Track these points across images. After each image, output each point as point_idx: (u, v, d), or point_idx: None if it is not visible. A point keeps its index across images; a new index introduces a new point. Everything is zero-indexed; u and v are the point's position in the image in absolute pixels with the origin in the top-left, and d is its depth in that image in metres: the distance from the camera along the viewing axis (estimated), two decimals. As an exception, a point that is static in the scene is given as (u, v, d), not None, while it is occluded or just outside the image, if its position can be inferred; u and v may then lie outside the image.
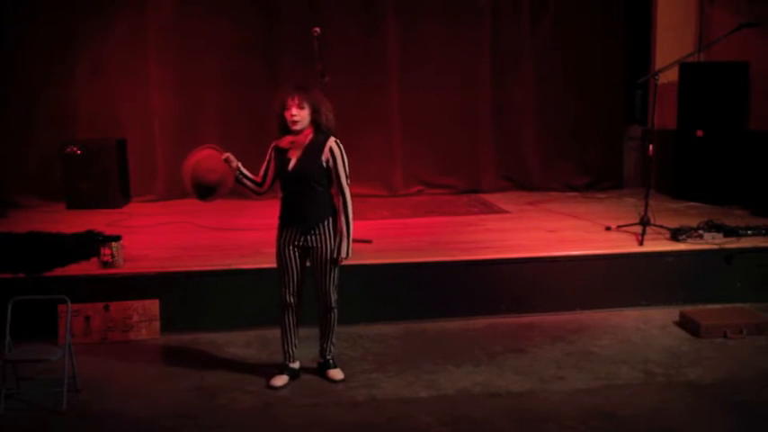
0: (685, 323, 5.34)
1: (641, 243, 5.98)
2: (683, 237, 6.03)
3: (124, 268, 5.45)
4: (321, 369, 4.58)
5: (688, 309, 5.50)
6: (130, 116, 8.42)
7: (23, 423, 4.05)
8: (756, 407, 4.15)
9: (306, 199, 4.28)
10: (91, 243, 5.59)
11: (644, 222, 6.25)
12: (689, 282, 5.82)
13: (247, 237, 6.43)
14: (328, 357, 4.58)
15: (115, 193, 8.04)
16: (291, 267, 4.37)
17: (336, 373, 4.53)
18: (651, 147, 6.62)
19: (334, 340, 4.58)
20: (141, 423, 4.01)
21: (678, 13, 8.68)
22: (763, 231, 6.18)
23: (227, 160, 4.31)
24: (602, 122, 9.13)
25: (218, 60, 8.46)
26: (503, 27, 8.88)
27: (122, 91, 8.36)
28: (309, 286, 4.45)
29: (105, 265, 5.40)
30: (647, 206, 6.33)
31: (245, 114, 8.28)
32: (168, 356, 5.00)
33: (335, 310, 4.47)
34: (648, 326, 5.42)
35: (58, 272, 5.35)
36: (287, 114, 4.23)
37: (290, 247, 4.35)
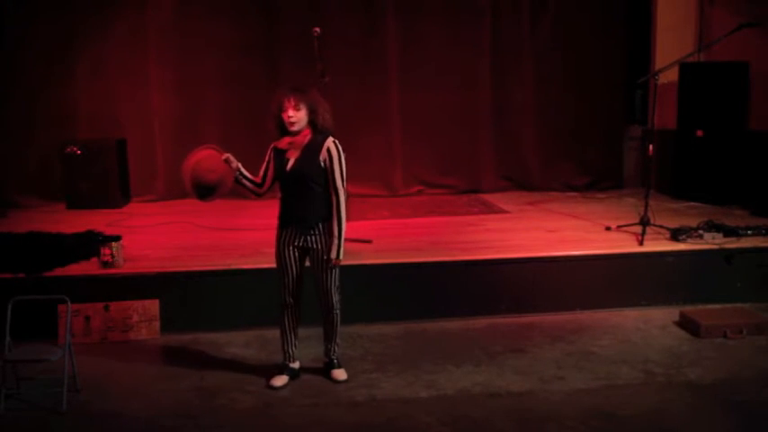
0: (685, 323, 5.34)
1: (641, 243, 5.98)
2: (683, 237, 6.03)
3: (124, 268, 5.45)
4: (326, 369, 4.59)
5: (688, 309, 5.50)
6: (130, 116, 8.43)
7: (23, 423, 4.05)
8: (756, 407, 4.15)
9: (305, 199, 4.28)
10: (91, 243, 5.59)
11: (644, 222, 6.25)
12: (689, 282, 5.82)
13: (247, 237, 6.43)
14: (333, 357, 4.57)
15: (115, 193, 8.04)
16: (291, 268, 4.37)
17: (339, 374, 4.52)
18: (651, 147, 6.62)
19: (338, 341, 4.58)
20: (141, 423, 4.01)
21: (678, 12, 8.68)
22: (763, 231, 6.18)
23: (226, 160, 4.30)
24: (602, 122, 9.13)
25: (218, 60, 8.47)
26: (503, 27, 8.88)
27: (122, 91, 8.37)
28: (309, 286, 4.45)
29: (105, 265, 5.40)
30: (647, 206, 6.33)
31: (245, 114, 8.28)
32: (168, 356, 5.00)
33: (338, 311, 4.46)
34: (648, 326, 5.42)
35: (58, 272, 5.35)
36: (284, 116, 4.23)
37: (290, 248, 4.35)
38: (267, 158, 4.40)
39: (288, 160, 4.29)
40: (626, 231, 6.42)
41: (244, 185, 4.44)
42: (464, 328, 5.42)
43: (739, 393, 4.29)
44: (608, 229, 6.60)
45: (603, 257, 5.83)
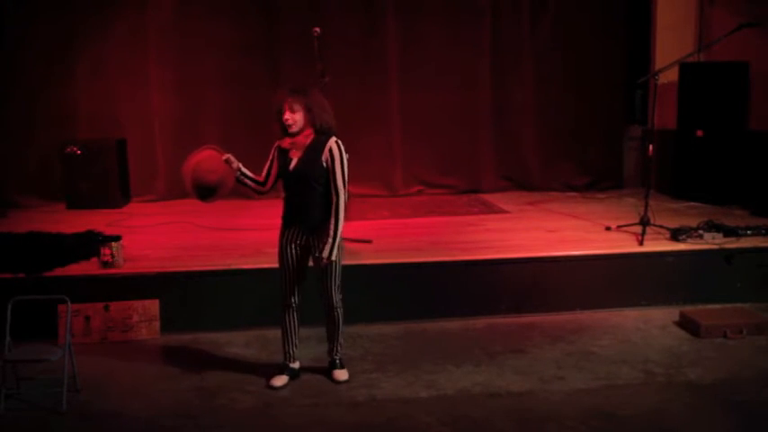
0: (685, 323, 5.34)
1: (641, 243, 5.98)
2: (683, 237, 6.03)
3: (124, 268, 5.46)
4: (328, 368, 4.59)
5: (688, 309, 5.50)
6: (130, 116, 8.43)
7: (23, 423, 4.05)
8: (756, 407, 4.15)
9: (307, 199, 4.28)
10: (91, 243, 5.59)
11: (644, 222, 6.25)
12: (689, 282, 5.82)
13: (248, 237, 6.43)
14: (336, 357, 4.57)
15: (115, 193, 8.04)
16: (293, 267, 4.38)
17: (340, 374, 4.52)
18: (651, 147, 6.62)
19: (341, 341, 4.57)
20: (141, 423, 4.01)
21: (678, 12, 8.68)
22: (763, 231, 6.17)
23: (227, 161, 4.30)
24: (602, 122, 9.13)
25: (218, 60, 8.46)
26: (503, 27, 8.88)
27: (122, 91, 8.36)
28: (311, 286, 4.46)
29: (105, 265, 5.40)
30: (647, 206, 6.33)
31: (245, 114, 8.29)
32: (168, 356, 5.00)
33: (340, 310, 4.46)
34: (648, 326, 5.42)
35: (58, 272, 5.35)
36: (283, 119, 4.24)
37: (292, 246, 4.35)
38: (271, 157, 4.41)
39: (291, 160, 4.29)
40: (626, 231, 6.42)
41: (246, 185, 4.44)
42: (464, 328, 5.42)
43: (739, 393, 4.29)
44: (608, 229, 6.60)
45: (603, 257, 5.83)
